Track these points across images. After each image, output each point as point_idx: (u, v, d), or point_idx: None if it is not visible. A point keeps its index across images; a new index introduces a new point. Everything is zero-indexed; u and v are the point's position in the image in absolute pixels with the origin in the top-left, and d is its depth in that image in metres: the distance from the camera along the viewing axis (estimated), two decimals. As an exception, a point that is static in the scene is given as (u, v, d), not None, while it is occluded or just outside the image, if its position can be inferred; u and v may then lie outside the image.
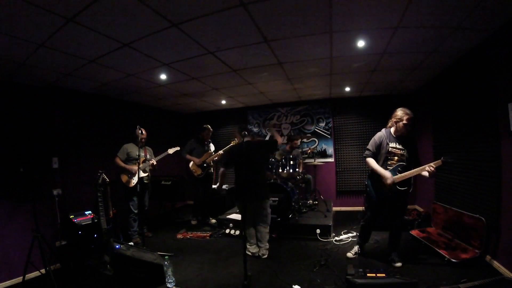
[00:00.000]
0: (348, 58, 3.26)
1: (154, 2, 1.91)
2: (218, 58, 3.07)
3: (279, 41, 2.69)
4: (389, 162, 2.74)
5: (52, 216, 3.40)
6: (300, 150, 5.07)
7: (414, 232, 3.58)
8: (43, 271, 2.79)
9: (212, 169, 4.73)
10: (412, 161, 2.74)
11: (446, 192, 3.75)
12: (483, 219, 2.80)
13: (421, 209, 4.71)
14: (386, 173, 2.67)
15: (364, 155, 2.91)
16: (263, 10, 2.09)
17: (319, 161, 5.08)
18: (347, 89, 4.88)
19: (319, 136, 5.85)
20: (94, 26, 2.17)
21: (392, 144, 2.75)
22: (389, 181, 2.63)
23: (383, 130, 2.88)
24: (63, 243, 3.37)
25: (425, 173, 2.55)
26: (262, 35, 2.54)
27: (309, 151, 5.15)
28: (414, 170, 2.61)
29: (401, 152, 2.73)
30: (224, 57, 3.05)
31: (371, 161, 2.78)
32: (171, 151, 4.04)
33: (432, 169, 2.50)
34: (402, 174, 2.65)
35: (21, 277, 2.71)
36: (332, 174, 5.74)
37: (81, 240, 3.18)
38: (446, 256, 2.81)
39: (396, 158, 2.73)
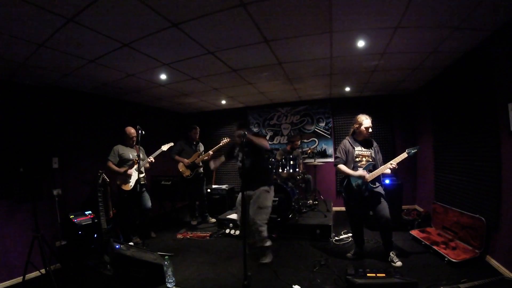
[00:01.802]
0: (348, 58, 3.26)
1: (154, 2, 1.91)
2: (218, 58, 3.07)
3: (279, 41, 2.69)
4: (359, 165, 2.91)
5: (52, 216, 3.40)
6: (300, 150, 5.07)
7: (414, 232, 3.58)
8: (43, 271, 2.79)
9: (201, 169, 4.69)
10: (377, 159, 2.94)
11: (446, 192, 3.75)
12: (483, 219, 2.80)
13: (421, 209, 4.71)
14: (360, 172, 2.83)
15: (334, 163, 3.06)
16: (263, 10, 2.09)
17: (319, 161, 5.07)
18: (347, 89, 4.88)
19: (319, 136, 5.85)
20: (94, 26, 2.17)
21: (358, 148, 2.94)
22: (367, 176, 2.79)
23: (346, 137, 3.07)
24: (63, 243, 3.37)
25: (388, 170, 2.76)
26: (262, 35, 2.54)
27: (309, 151, 5.15)
28: (381, 168, 2.81)
29: (368, 153, 2.92)
30: (224, 57, 3.05)
31: (343, 167, 2.94)
32: (165, 147, 3.96)
33: (393, 165, 2.73)
34: (373, 172, 2.81)
35: (21, 277, 2.71)
36: (332, 174, 5.74)
37: (81, 240, 3.18)
38: (446, 256, 2.81)
39: (364, 159, 2.91)
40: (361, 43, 2.78)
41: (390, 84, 4.56)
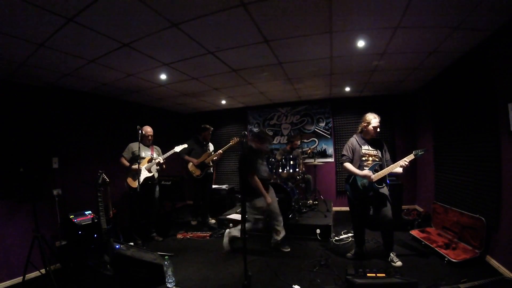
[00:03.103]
0: (348, 58, 3.26)
1: (154, 2, 1.91)
2: (218, 58, 3.07)
3: (279, 41, 2.69)
4: (365, 164, 2.88)
5: (52, 216, 3.40)
6: (300, 150, 5.07)
7: (414, 232, 3.58)
8: (43, 271, 2.79)
9: (212, 169, 4.70)
10: (385, 160, 2.92)
11: (446, 192, 3.75)
12: (483, 219, 2.80)
13: (421, 209, 4.71)
14: (366, 172, 2.80)
15: (340, 161, 3.05)
16: (263, 10, 2.09)
17: (319, 161, 5.07)
18: (347, 89, 4.88)
19: (319, 136, 5.85)
20: (94, 26, 2.17)
21: (365, 147, 2.91)
22: (372, 176, 2.75)
23: (354, 135, 3.05)
24: (63, 243, 3.37)
25: (399, 169, 2.71)
26: (262, 35, 2.54)
27: (309, 151, 5.14)
28: (390, 167, 2.77)
29: (374, 153, 2.90)
30: (224, 57, 3.05)
31: (349, 165, 2.92)
32: (178, 148, 3.95)
33: (406, 163, 2.67)
34: (380, 172, 2.78)
35: (21, 277, 2.71)
36: (332, 174, 5.74)
37: (81, 240, 3.17)
38: (446, 256, 2.81)
39: (371, 159, 2.89)
40: (361, 43, 2.78)
41: (390, 84, 4.55)
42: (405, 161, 2.67)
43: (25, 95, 3.34)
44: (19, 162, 3.03)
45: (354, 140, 2.99)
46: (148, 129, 3.72)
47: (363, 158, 2.89)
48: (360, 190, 2.86)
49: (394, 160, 2.86)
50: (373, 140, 2.96)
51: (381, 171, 2.78)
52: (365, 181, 2.83)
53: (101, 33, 2.29)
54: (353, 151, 2.94)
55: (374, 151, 2.90)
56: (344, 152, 2.99)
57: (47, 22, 2.04)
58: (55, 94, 3.66)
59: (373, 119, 2.88)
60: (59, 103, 3.74)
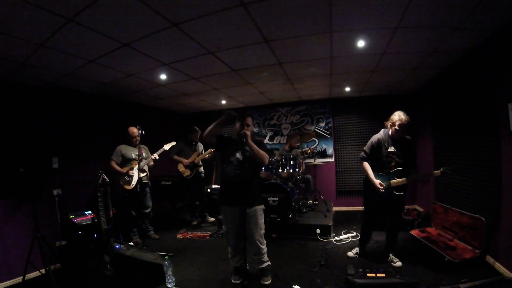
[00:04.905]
0: (348, 58, 3.26)
1: (154, 2, 1.91)
2: (218, 58, 3.07)
3: (279, 41, 2.69)
4: (388, 166, 2.75)
5: (52, 216, 3.40)
6: (299, 150, 5.07)
7: (414, 232, 3.57)
8: (43, 271, 2.79)
9: (201, 168, 4.70)
10: (409, 165, 2.75)
11: (446, 192, 3.75)
12: (483, 219, 2.80)
13: (421, 209, 4.71)
14: (376, 182, 2.70)
15: (360, 156, 2.88)
16: (263, 10, 2.09)
17: (319, 161, 5.07)
18: (347, 89, 4.88)
19: (319, 136, 5.85)
20: (94, 26, 2.17)
21: (391, 148, 2.73)
22: (379, 190, 2.67)
23: (382, 131, 2.84)
24: (63, 243, 3.37)
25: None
26: (262, 35, 2.54)
27: (309, 151, 5.14)
28: (411, 176, 2.67)
29: (400, 155, 2.74)
30: (224, 57, 3.05)
31: (366, 166, 2.80)
32: (167, 146, 3.97)
33: (433, 176, 2.59)
34: (399, 180, 2.68)
35: (21, 277, 2.71)
36: (332, 174, 5.74)
37: (81, 240, 3.18)
38: (446, 256, 2.80)
39: (394, 162, 2.74)
40: (361, 43, 2.78)
41: (390, 84, 4.55)
42: (434, 174, 2.58)
43: (25, 95, 3.34)
44: (19, 162, 3.03)
45: (380, 137, 2.76)
46: (134, 130, 3.69)
47: (388, 160, 2.71)
48: (376, 191, 2.73)
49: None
50: (401, 141, 2.72)
51: (401, 179, 2.65)
52: (385, 183, 2.72)
53: (101, 33, 2.29)
54: (376, 149, 2.75)
55: (400, 154, 2.70)
56: (366, 149, 2.81)
57: (47, 22, 2.04)
58: (55, 94, 3.66)
59: (397, 121, 2.63)
60: (59, 103, 3.74)
